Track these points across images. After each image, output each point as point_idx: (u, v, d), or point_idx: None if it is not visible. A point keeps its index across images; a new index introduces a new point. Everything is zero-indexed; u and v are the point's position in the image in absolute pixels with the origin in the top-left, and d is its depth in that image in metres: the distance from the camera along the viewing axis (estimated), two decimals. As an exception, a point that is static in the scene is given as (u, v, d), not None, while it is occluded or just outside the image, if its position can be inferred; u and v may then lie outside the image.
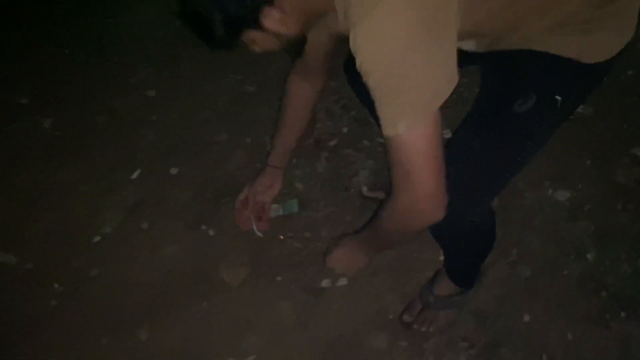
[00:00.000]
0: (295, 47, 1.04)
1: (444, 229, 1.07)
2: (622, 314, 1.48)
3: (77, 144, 2.12)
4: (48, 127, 2.21)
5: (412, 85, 0.83)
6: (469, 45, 1.08)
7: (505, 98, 1.05)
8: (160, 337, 1.55)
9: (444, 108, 0.85)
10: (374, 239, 1.22)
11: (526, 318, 1.51)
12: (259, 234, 1.65)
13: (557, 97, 1.03)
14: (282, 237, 1.74)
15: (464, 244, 1.29)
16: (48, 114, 2.26)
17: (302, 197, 1.85)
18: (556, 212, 1.74)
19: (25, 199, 1.93)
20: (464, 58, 0.93)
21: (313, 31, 1.04)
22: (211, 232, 1.80)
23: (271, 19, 0.91)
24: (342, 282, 1.64)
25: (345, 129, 2.05)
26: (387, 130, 0.88)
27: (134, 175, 1.99)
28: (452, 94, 0.85)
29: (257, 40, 0.97)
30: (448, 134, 1.64)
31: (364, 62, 0.83)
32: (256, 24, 0.91)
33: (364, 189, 1.82)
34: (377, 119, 0.90)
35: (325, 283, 1.64)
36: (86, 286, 1.68)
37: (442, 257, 1.54)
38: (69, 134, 2.17)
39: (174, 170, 2.00)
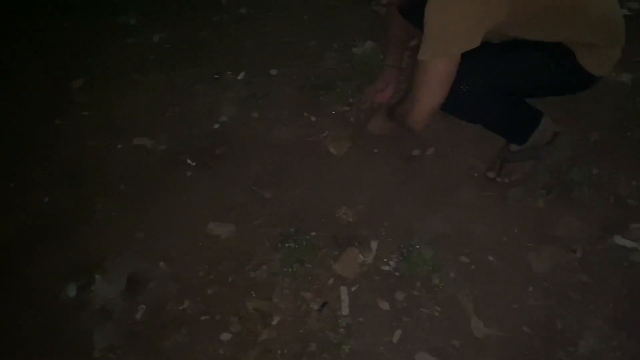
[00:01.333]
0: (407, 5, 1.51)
1: (451, 101, 1.42)
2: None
3: (186, 54, 2.43)
4: (157, 41, 2.53)
5: (446, 33, 1.27)
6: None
7: (520, 41, 1.43)
8: (282, 194, 1.87)
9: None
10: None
11: (595, 171, 1.77)
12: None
13: (552, 65, 1.45)
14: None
15: (474, 112, 1.57)
16: (155, 31, 2.57)
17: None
18: (620, 90, 1.96)
19: (151, 96, 2.27)
20: None
21: None
22: (313, 118, 2.09)
23: None
24: (430, 151, 1.92)
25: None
26: (420, 54, 1.32)
27: (240, 77, 2.30)
28: None
29: None
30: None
31: (427, 5, 1.26)
32: None
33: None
34: None
35: (415, 152, 1.92)
36: (214, 161, 2.01)
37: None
38: (177, 46, 2.49)
39: (273, 72, 2.29)
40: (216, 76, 2.31)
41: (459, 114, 1.57)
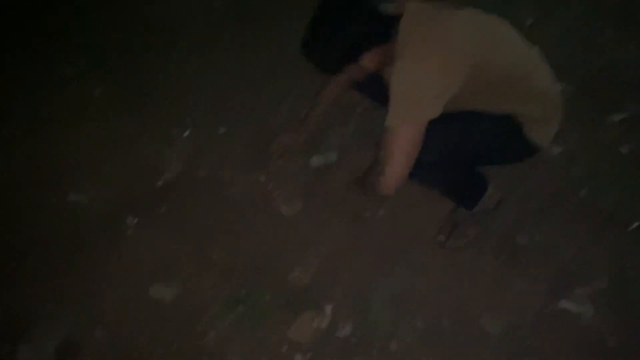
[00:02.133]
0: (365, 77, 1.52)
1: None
2: (614, 232, 1.83)
3: (129, 107, 2.36)
4: (99, 94, 2.44)
5: (413, 102, 1.33)
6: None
7: (475, 113, 1.52)
8: (231, 255, 1.80)
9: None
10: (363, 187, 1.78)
11: (537, 237, 1.84)
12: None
13: (503, 135, 1.55)
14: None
15: (435, 178, 1.62)
16: (97, 82, 2.48)
17: (339, 150, 2.14)
18: (553, 161, 2.09)
19: (90, 149, 2.16)
20: None
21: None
22: (263, 178, 2.06)
23: (369, 60, 1.41)
24: (381, 213, 1.93)
25: (367, 100, 2.36)
26: (387, 121, 1.36)
27: (186, 133, 2.24)
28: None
29: (351, 71, 1.46)
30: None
31: (393, 76, 1.33)
32: (356, 62, 1.41)
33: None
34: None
35: (367, 214, 1.93)
36: (158, 220, 1.92)
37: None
38: (120, 99, 2.41)
39: (222, 130, 2.26)
40: (161, 132, 2.25)
41: (421, 179, 1.60)
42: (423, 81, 1.34)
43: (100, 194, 1.99)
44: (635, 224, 1.84)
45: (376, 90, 1.71)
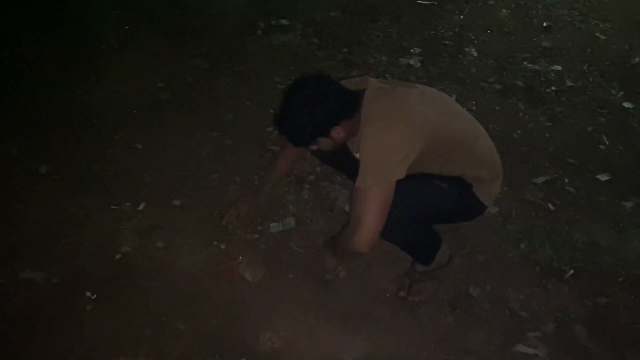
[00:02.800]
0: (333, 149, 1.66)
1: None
2: (553, 280, 2.01)
3: (78, 185, 2.31)
4: (44, 173, 2.38)
5: (383, 165, 1.50)
6: None
7: (432, 175, 1.71)
8: (198, 324, 1.78)
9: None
10: (335, 249, 1.83)
11: (488, 288, 1.98)
12: None
13: (457, 194, 1.72)
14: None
15: (396, 237, 1.78)
16: (41, 162, 2.43)
17: (297, 216, 2.22)
18: (492, 220, 2.29)
19: (42, 228, 2.09)
20: None
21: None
22: (222, 246, 2.08)
23: (338, 133, 1.58)
24: (342, 274, 2.00)
25: (318, 168, 2.49)
26: (359, 182, 1.51)
27: (140, 207, 2.23)
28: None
29: (322, 143, 1.61)
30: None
31: (362, 144, 1.52)
32: (327, 135, 1.57)
33: (347, 207, 2.25)
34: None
35: (329, 276, 1.99)
36: (118, 293, 1.87)
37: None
38: (68, 177, 2.36)
39: (177, 202, 2.27)
40: (114, 207, 2.23)
41: (386, 236, 1.70)
42: (389, 146, 1.50)
43: (56, 270, 1.92)
44: (570, 272, 2.04)
45: (334, 156, 1.84)
